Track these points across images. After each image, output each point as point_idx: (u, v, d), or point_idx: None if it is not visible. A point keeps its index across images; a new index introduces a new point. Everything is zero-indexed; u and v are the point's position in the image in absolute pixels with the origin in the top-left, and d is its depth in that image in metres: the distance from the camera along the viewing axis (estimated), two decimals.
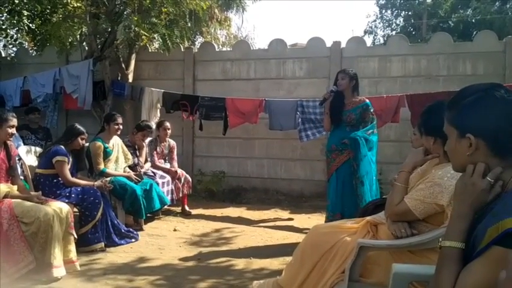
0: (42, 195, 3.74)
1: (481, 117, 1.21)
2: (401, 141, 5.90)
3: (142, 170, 5.23)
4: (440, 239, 1.28)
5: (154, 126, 6.22)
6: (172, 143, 5.86)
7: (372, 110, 4.27)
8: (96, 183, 4.28)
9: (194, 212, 5.71)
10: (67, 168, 4.08)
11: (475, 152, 1.23)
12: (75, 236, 3.62)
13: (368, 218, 2.44)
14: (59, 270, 3.32)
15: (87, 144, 4.62)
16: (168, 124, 5.70)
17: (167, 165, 5.70)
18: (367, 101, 4.33)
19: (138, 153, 5.39)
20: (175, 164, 5.79)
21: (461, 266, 1.18)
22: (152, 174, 5.36)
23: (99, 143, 4.75)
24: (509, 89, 1.25)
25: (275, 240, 4.61)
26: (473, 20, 17.87)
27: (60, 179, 4.08)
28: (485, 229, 1.10)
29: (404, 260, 2.09)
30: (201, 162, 7.05)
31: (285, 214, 5.80)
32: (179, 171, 5.65)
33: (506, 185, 1.18)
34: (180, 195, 5.58)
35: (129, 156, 5.14)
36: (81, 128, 4.27)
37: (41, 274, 3.25)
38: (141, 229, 4.80)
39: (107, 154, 4.81)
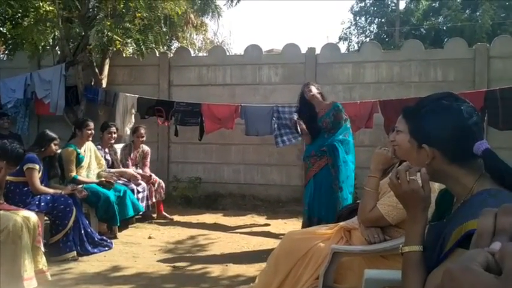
0: (11, 203, 3.63)
1: (432, 127, 1.25)
2: (375, 146, 5.93)
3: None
4: (400, 246, 1.30)
5: (128, 132, 6.16)
6: (146, 149, 5.78)
7: (343, 111, 4.27)
8: (64, 191, 4.19)
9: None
10: (37, 176, 3.98)
11: (433, 161, 1.26)
12: (43, 250, 3.48)
13: (342, 223, 2.46)
14: (29, 283, 3.20)
15: (59, 150, 4.53)
16: (142, 131, 5.62)
17: (139, 171, 5.63)
18: (336, 102, 4.34)
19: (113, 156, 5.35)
20: (147, 170, 5.71)
21: (425, 268, 1.21)
22: (127, 180, 5.29)
23: (71, 149, 4.66)
24: (460, 98, 1.27)
25: (251, 246, 4.59)
26: (444, 28, 18.34)
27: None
28: (451, 232, 1.12)
29: (378, 265, 2.11)
30: (177, 168, 6.98)
31: (261, 220, 5.80)
32: (153, 175, 5.60)
33: (471, 190, 1.21)
34: (154, 200, 5.51)
35: (103, 161, 5.06)
36: (53, 134, 4.21)
37: (11, 287, 3.15)
38: (115, 237, 4.71)
39: (79, 160, 4.72)
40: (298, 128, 4.35)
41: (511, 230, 0.61)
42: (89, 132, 4.79)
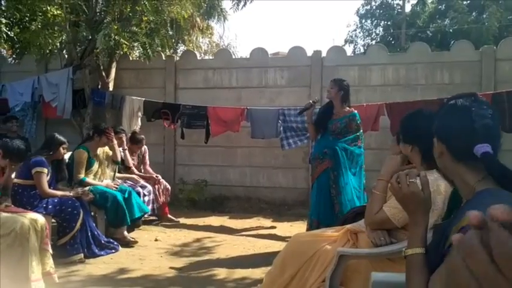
0: (19, 206, 3.66)
1: (441, 125, 1.30)
2: (382, 149, 5.96)
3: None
4: (403, 249, 1.31)
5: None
6: (143, 148, 5.81)
7: (358, 122, 4.22)
8: (72, 192, 4.21)
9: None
10: (45, 179, 4.01)
11: (442, 157, 1.30)
12: (51, 252, 3.50)
13: (348, 226, 2.45)
14: (37, 284, 3.22)
15: (69, 153, 4.56)
16: (138, 137, 5.69)
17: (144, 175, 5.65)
18: (355, 111, 4.29)
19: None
20: (148, 168, 5.75)
21: (428, 270, 1.21)
22: (133, 183, 5.31)
23: (83, 151, 4.68)
24: (481, 99, 1.28)
25: (257, 249, 4.59)
26: (450, 30, 18.26)
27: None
28: (450, 230, 1.13)
29: (384, 268, 2.10)
30: (183, 171, 7.00)
31: (267, 222, 5.80)
32: (159, 176, 5.62)
33: (474, 189, 1.21)
34: (160, 202, 5.52)
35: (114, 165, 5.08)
36: (62, 138, 4.23)
37: None
38: (133, 240, 4.65)
39: (90, 164, 4.73)
40: (306, 112, 4.43)
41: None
42: (107, 140, 4.81)
